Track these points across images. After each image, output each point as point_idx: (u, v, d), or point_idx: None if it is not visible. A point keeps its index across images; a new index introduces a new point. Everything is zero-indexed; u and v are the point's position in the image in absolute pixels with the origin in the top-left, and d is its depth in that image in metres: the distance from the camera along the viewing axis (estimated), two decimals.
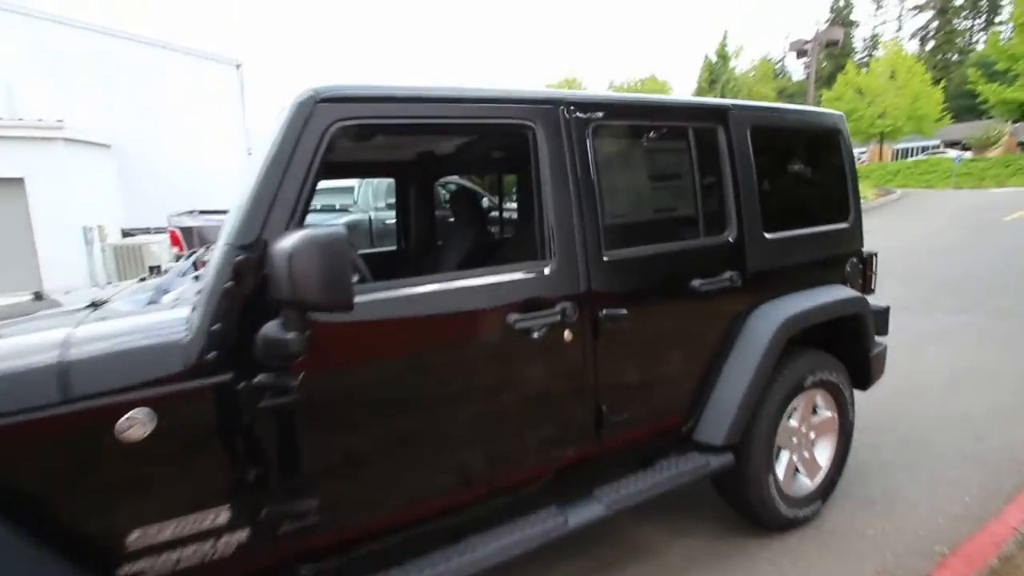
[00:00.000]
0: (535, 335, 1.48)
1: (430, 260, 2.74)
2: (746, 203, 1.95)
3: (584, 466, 1.69)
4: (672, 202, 1.98)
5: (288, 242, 1.04)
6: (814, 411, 2.27)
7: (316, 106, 1.23)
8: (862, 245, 2.48)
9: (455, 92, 1.42)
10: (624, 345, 1.69)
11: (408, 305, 1.35)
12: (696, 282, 1.81)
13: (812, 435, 2.28)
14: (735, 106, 1.97)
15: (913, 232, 10.68)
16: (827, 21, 45.69)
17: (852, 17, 49.79)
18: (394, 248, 3.11)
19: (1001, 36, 24.91)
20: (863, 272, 2.48)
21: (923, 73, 27.00)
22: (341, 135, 1.27)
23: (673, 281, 1.80)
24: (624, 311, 1.64)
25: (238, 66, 14.88)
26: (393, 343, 1.34)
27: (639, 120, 1.77)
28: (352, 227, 5.91)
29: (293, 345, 1.10)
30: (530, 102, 1.53)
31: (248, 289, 1.16)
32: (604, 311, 1.61)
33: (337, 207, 6.19)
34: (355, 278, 1.60)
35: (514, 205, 3.89)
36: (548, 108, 1.55)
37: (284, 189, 1.19)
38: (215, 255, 1.20)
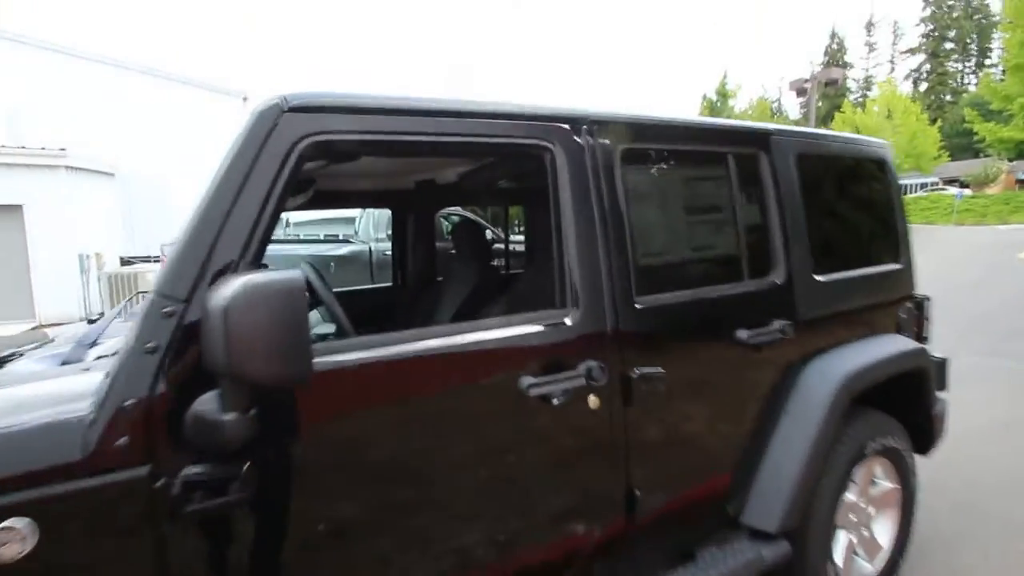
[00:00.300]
0: (553, 402, 1.19)
1: (429, 298, 2.46)
2: (794, 240, 1.68)
3: (610, 561, 1.36)
4: (711, 239, 1.71)
5: (225, 292, 0.76)
6: (872, 481, 1.95)
7: (283, 116, 0.97)
8: (914, 288, 2.21)
9: (457, 105, 1.17)
10: (660, 411, 1.39)
11: (396, 367, 1.06)
12: (742, 333, 1.52)
13: (871, 510, 1.94)
14: (778, 131, 1.73)
15: (927, 269, 10.39)
16: (821, 63, 47.11)
17: (845, 59, 51.31)
18: (390, 284, 2.84)
19: (992, 77, 25.50)
20: (917, 318, 2.20)
21: (919, 112, 27.49)
22: (315, 153, 1.01)
23: (716, 332, 1.51)
24: (660, 370, 1.35)
25: (245, 99, 15.05)
26: (374, 418, 1.04)
27: (673, 144, 1.52)
28: (352, 259, 5.70)
29: (231, 430, 0.81)
30: (548, 119, 1.28)
31: (178, 352, 0.87)
32: (637, 370, 1.31)
33: (341, 237, 5.99)
34: (331, 328, 1.32)
35: (520, 237, 3.64)
36: (569, 127, 1.30)
37: (234, 220, 0.92)
38: (141, 307, 0.91)
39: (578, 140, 1.30)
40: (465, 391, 1.13)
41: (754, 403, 1.61)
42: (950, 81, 48.95)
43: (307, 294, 0.83)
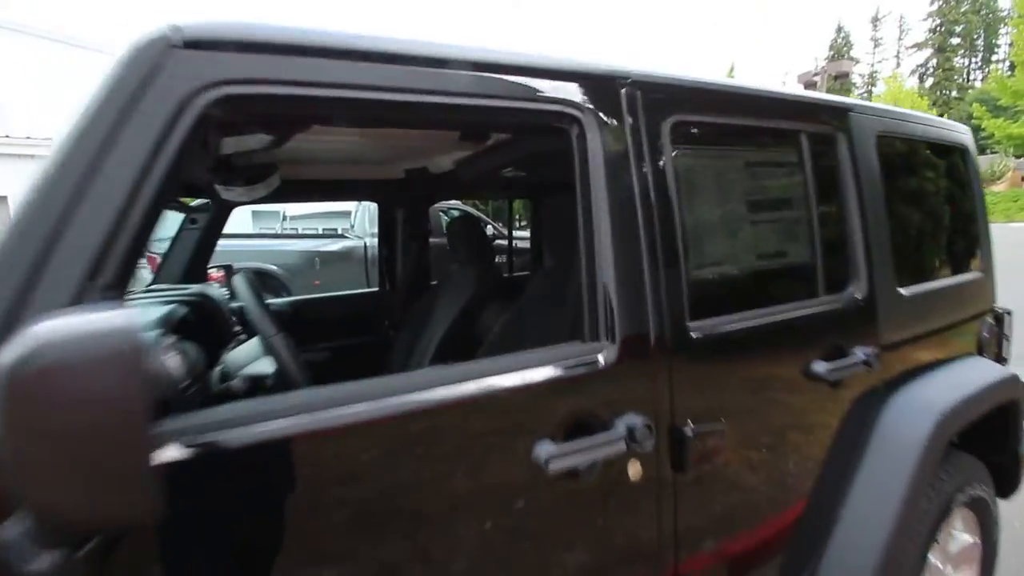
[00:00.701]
0: (581, 478, 0.84)
1: (421, 309, 2.12)
2: (876, 245, 1.34)
3: None
4: (782, 244, 1.36)
5: (9, 351, 0.42)
6: (950, 534, 1.62)
7: (171, 53, 0.62)
8: (995, 300, 1.87)
9: (448, 51, 0.82)
10: (720, 477, 1.05)
11: (348, 441, 0.71)
12: (819, 366, 1.18)
13: (948, 570, 1.61)
14: (857, 107, 1.37)
15: None
16: (826, 58, 46.60)
17: (851, 54, 50.71)
18: (377, 290, 2.50)
19: (1000, 73, 25.16)
20: (997, 336, 1.86)
21: (925, 108, 27.14)
22: (229, 113, 0.66)
23: (789, 366, 1.17)
24: (722, 422, 1.00)
25: None
26: (314, 524, 0.70)
27: (737, 117, 1.16)
28: (345, 255, 5.35)
29: None
30: (574, 77, 0.92)
31: None
32: (691, 425, 0.97)
33: (340, 231, 5.65)
34: (268, 367, 0.97)
35: (525, 233, 3.29)
36: (603, 89, 0.94)
37: (81, 218, 0.57)
38: None
39: (617, 106, 0.95)
40: (455, 474, 0.78)
41: (826, 456, 1.26)
42: (956, 77, 48.44)
43: (171, 343, 0.48)
